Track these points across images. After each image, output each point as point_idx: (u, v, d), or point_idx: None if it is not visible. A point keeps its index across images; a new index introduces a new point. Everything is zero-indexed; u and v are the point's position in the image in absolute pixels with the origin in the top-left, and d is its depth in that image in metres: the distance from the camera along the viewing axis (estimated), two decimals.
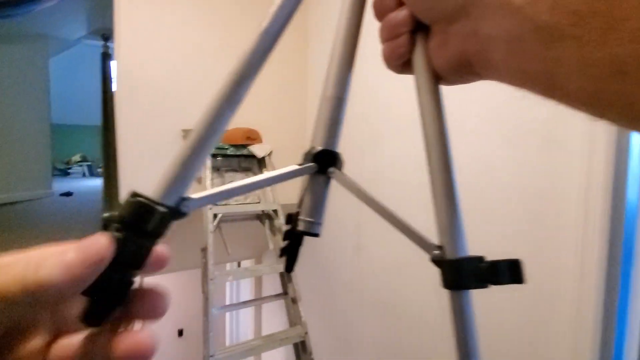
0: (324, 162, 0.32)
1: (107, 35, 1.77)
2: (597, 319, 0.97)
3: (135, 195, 0.21)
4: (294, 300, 1.86)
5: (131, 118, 1.79)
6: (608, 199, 0.96)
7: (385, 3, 0.26)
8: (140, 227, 0.20)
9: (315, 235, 0.32)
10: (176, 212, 0.23)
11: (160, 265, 0.22)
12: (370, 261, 1.85)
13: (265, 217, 2.04)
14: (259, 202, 2.03)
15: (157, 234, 0.21)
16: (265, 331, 3.07)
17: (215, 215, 1.80)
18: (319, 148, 0.31)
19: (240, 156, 2.05)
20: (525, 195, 1.14)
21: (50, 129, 3.70)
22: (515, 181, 1.16)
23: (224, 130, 0.27)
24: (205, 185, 1.84)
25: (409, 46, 0.26)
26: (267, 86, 2.23)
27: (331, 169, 0.31)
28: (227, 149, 1.95)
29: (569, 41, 0.16)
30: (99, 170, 6.83)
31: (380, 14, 0.27)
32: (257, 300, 2.04)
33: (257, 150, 2.04)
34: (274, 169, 2.16)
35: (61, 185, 4.05)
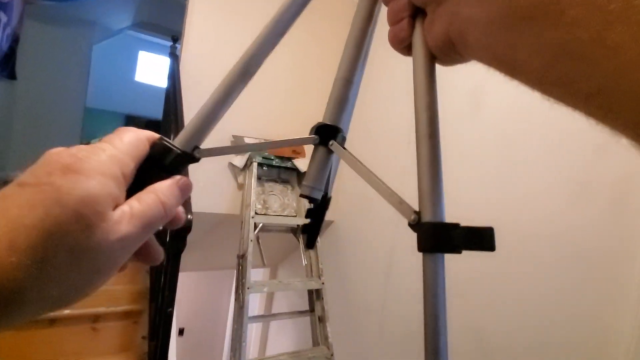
0: (325, 135, 0.34)
1: (176, 37, 1.82)
2: None
3: (160, 139, 0.27)
4: (321, 319, 1.86)
5: (188, 119, 1.82)
6: None
7: None
8: (161, 162, 0.26)
9: (315, 200, 0.35)
10: (189, 156, 0.29)
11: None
12: (399, 289, 1.84)
13: (300, 231, 2.05)
14: (295, 216, 2.04)
15: (172, 170, 0.27)
16: (270, 348, 3.04)
17: (256, 225, 1.82)
18: (323, 122, 0.35)
19: (281, 168, 2.08)
20: (587, 254, 1.15)
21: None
22: (579, 241, 1.17)
23: (234, 100, 0.33)
24: (250, 193, 1.86)
25: (409, 30, 0.28)
26: (314, 102, 2.27)
27: (331, 142, 0.34)
28: (273, 159, 1.98)
29: (528, 24, 0.19)
30: None
31: (386, 0, 0.30)
32: (286, 314, 2.02)
33: (301, 164, 2.06)
34: None
35: None
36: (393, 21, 0.29)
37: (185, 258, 2.41)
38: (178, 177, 0.26)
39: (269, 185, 2.05)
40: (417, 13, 0.28)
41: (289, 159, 2.04)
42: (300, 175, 2.15)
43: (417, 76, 0.28)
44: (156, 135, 0.27)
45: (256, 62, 0.34)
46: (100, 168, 0.21)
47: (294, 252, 2.78)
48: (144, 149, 0.25)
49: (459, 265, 1.55)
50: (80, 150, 0.22)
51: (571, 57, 0.17)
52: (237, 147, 0.32)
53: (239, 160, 1.94)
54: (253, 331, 3.17)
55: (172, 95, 1.53)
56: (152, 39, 5.13)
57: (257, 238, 1.87)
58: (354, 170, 0.33)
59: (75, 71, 3.58)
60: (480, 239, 0.24)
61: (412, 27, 0.28)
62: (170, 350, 1.35)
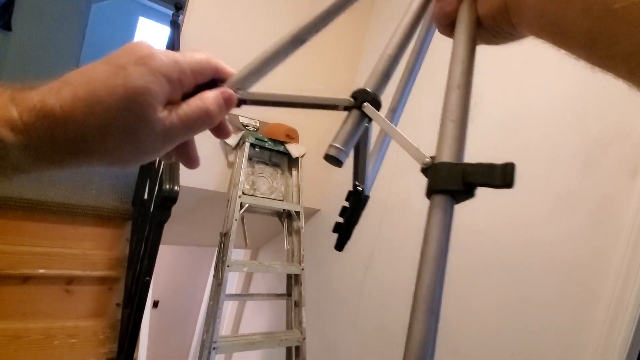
0: (361, 99, 0.34)
1: (179, 5, 1.77)
2: None
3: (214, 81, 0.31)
4: (297, 304, 1.88)
5: None
6: None
7: None
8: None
9: (340, 163, 0.33)
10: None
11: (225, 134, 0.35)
12: (378, 284, 1.87)
13: (285, 216, 2.05)
14: (282, 200, 2.04)
15: None
16: (244, 328, 3.07)
17: (242, 204, 1.81)
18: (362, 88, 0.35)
19: (273, 151, 2.07)
20: (562, 266, 1.18)
21: None
22: (556, 252, 1.20)
23: (281, 60, 0.36)
24: (239, 172, 1.85)
25: (457, 3, 0.29)
26: (313, 89, 2.25)
27: (365, 104, 0.33)
28: (266, 141, 1.97)
29: None
30: None
31: None
32: (264, 296, 2.04)
33: (293, 150, 2.05)
34: (302, 171, 2.18)
35: None
36: None
37: (168, 231, 2.40)
38: (223, 88, 0.30)
39: (259, 167, 2.04)
40: None
41: (282, 143, 2.03)
42: (291, 160, 2.15)
43: (458, 38, 0.28)
44: (228, 72, 0.32)
45: (308, 33, 0.36)
46: (163, 69, 0.25)
47: (276, 236, 2.79)
48: (207, 70, 0.29)
49: None
50: (157, 50, 0.26)
51: (614, 18, 0.19)
52: (277, 95, 0.32)
53: (232, 138, 1.92)
54: (228, 309, 3.19)
55: None
56: (154, 5, 4.99)
57: (242, 218, 1.86)
58: (382, 127, 0.34)
59: (72, 29, 3.46)
60: (495, 174, 0.21)
61: (460, 1, 0.28)
62: (143, 320, 1.35)
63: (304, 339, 1.77)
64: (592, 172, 1.17)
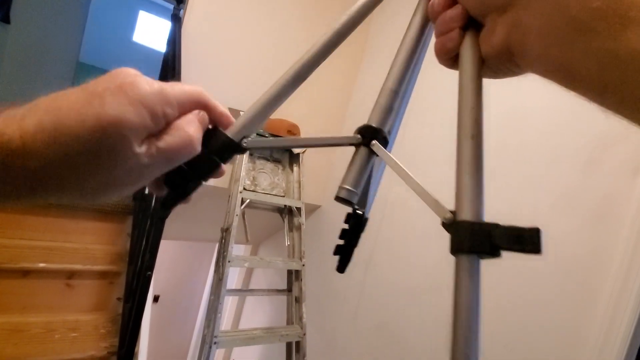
0: (368, 136, 0.34)
1: None
2: None
3: (215, 128, 0.30)
4: (298, 300, 1.88)
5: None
6: None
7: (439, 3, 0.30)
8: (211, 147, 0.29)
9: (352, 204, 0.33)
10: (238, 145, 0.30)
11: (219, 175, 0.32)
12: (378, 280, 1.88)
13: (286, 212, 2.05)
14: (284, 196, 2.04)
15: (222, 157, 0.30)
16: (244, 323, 3.08)
17: (243, 200, 1.81)
18: (367, 124, 0.35)
19: (275, 147, 2.06)
20: (563, 265, 1.18)
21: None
22: (557, 251, 1.20)
23: (283, 101, 0.34)
24: (241, 168, 1.84)
25: (458, 40, 0.29)
26: (314, 84, 2.24)
27: (373, 142, 0.33)
28: (267, 137, 1.96)
29: (589, 35, 0.20)
30: None
31: (435, 14, 0.30)
32: (264, 291, 2.04)
33: None
34: (304, 167, 2.18)
35: None
36: (442, 32, 0.30)
37: (169, 226, 2.40)
38: (197, 111, 0.27)
39: (260, 163, 2.03)
40: (469, 25, 0.28)
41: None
42: (292, 156, 2.14)
43: (464, 80, 0.28)
44: (220, 111, 0.30)
45: (310, 69, 0.35)
46: (146, 99, 0.22)
47: (277, 232, 2.79)
48: (196, 106, 0.27)
49: (436, 268, 1.59)
50: (142, 78, 0.23)
51: (622, 64, 0.19)
52: (279, 140, 0.32)
53: None
54: (229, 304, 3.20)
55: (171, 60, 1.48)
56: None
57: (243, 214, 1.86)
58: (395, 172, 0.33)
59: (71, 23, 3.44)
60: (524, 240, 0.22)
61: (461, 37, 0.29)
62: (144, 314, 1.35)
63: (304, 334, 1.78)
64: (593, 171, 1.17)
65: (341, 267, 0.41)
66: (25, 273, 1.55)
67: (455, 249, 0.23)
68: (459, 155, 0.26)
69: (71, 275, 1.61)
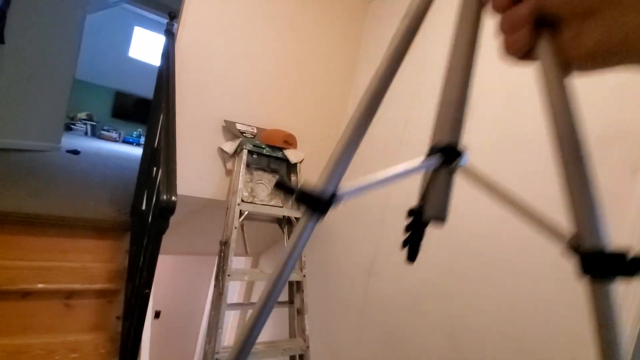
0: (449, 155, 0.33)
1: (173, 14, 1.77)
2: None
3: (303, 189, 0.31)
4: (300, 312, 1.86)
5: (178, 101, 1.78)
6: None
7: None
8: (309, 206, 0.31)
9: (444, 221, 0.33)
10: (330, 200, 0.32)
11: None
12: (381, 290, 1.86)
13: (285, 222, 2.04)
14: (282, 207, 2.03)
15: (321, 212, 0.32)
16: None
17: (241, 212, 1.80)
18: (446, 142, 0.33)
19: (271, 157, 2.06)
20: (565, 264, 1.17)
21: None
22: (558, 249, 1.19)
23: (362, 138, 0.34)
24: (238, 179, 1.84)
25: (529, 39, 0.27)
26: (309, 95, 2.25)
27: (457, 161, 0.32)
28: (264, 148, 1.96)
29: None
30: (103, 132, 6.72)
31: (500, 8, 0.28)
32: None
33: (291, 155, 2.04)
34: (301, 176, 2.17)
35: (65, 141, 3.96)
36: (509, 30, 0.28)
37: (167, 241, 2.38)
38: None
39: (257, 174, 2.03)
40: (543, 25, 0.27)
41: (280, 148, 2.02)
42: (290, 166, 2.14)
43: (550, 93, 0.27)
44: None
45: (378, 99, 0.34)
46: None
47: (277, 242, 2.77)
48: None
49: (439, 274, 1.58)
50: None
51: None
52: (369, 184, 0.30)
53: (229, 146, 1.91)
54: (230, 319, 3.16)
55: (165, 74, 1.49)
56: (148, 14, 5.01)
57: (242, 226, 1.85)
58: (494, 195, 0.32)
59: (67, 40, 3.46)
60: None
61: (532, 36, 0.27)
62: (144, 332, 1.33)
63: (308, 347, 1.75)
64: (593, 170, 1.16)
65: (411, 257, 0.41)
66: (25, 294, 1.53)
67: (595, 275, 0.24)
68: (567, 180, 0.27)
69: (70, 295, 1.59)
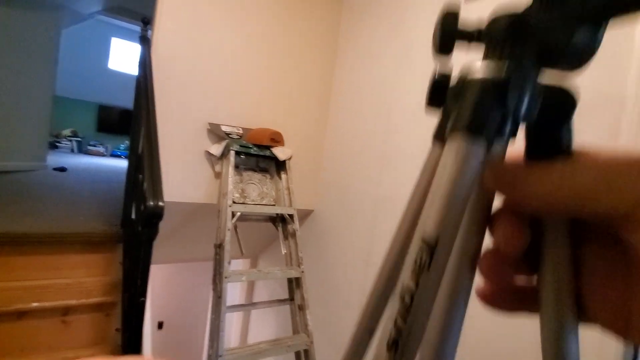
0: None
1: (147, 20, 1.75)
2: None
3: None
4: (301, 307, 1.86)
5: (160, 107, 1.76)
6: None
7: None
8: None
9: None
10: None
11: None
12: None
13: (279, 220, 2.03)
14: (274, 205, 2.03)
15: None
16: (251, 337, 3.04)
17: (233, 214, 1.79)
18: None
19: (260, 156, 2.05)
20: None
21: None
22: None
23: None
24: (227, 181, 1.83)
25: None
26: (292, 91, 2.24)
27: None
28: (251, 147, 1.95)
29: None
30: (89, 147, 6.65)
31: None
32: (266, 303, 2.02)
33: (279, 153, 2.04)
34: (291, 173, 2.17)
35: (51, 159, 3.91)
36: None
37: (163, 249, 2.38)
38: None
39: (247, 174, 2.02)
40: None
41: (268, 147, 2.02)
42: (279, 164, 2.13)
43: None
44: None
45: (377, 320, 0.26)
46: None
47: (274, 242, 2.77)
48: None
49: None
50: None
51: None
52: None
53: (216, 148, 1.90)
54: (234, 321, 3.15)
55: (143, 82, 1.47)
56: (124, 24, 4.96)
57: (235, 227, 1.84)
58: None
59: (43, 58, 3.41)
60: None
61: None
62: (145, 342, 1.32)
63: (312, 342, 1.76)
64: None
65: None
66: (20, 314, 1.51)
67: None
68: None
69: (66, 311, 1.57)
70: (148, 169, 1.11)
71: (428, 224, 0.16)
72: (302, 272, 1.90)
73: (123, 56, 6.27)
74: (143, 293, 1.16)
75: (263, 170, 2.11)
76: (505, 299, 0.20)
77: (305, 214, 2.39)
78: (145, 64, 1.55)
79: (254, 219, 2.01)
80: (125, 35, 5.93)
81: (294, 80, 2.25)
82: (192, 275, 4.14)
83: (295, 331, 1.85)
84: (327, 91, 2.39)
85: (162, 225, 2.10)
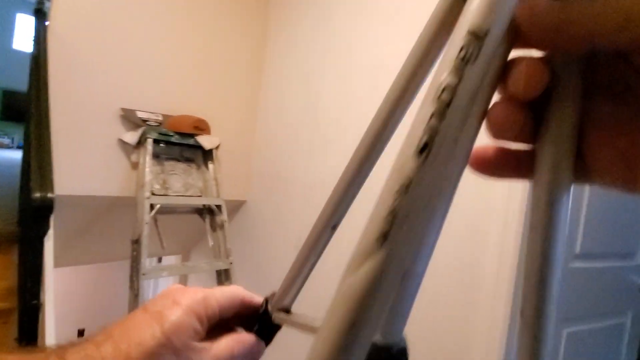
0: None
1: None
2: None
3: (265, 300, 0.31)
4: None
5: (62, 89, 1.57)
6: None
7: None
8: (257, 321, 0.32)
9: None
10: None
11: None
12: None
13: (206, 212, 1.95)
14: (200, 196, 1.94)
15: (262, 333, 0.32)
16: None
17: (152, 206, 1.68)
18: None
19: (184, 145, 1.94)
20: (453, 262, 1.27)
21: None
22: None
23: (319, 257, 0.31)
24: (144, 172, 1.70)
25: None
26: (219, 76, 2.14)
27: None
28: (172, 135, 1.83)
29: None
30: None
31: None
32: None
33: (205, 141, 1.94)
34: (219, 163, 2.09)
35: None
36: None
37: (77, 249, 2.15)
38: (257, 341, 0.31)
39: (169, 164, 1.90)
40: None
41: (192, 135, 1.91)
42: (206, 153, 2.03)
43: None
44: (251, 301, 0.32)
45: (341, 214, 0.27)
46: (191, 305, 0.27)
47: (205, 235, 2.66)
48: (236, 304, 0.30)
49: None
50: (189, 290, 0.29)
51: None
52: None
53: (131, 136, 1.76)
54: None
55: (36, 60, 1.29)
56: None
57: (155, 220, 1.73)
58: None
59: None
60: None
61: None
62: None
63: (231, 263, 1.72)
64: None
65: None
66: None
67: None
68: None
69: None
70: (36, 157, 0.98)
71: (476, 15, 0.14)
72: (231, 263, 1.84)
73: (27, 32, 5.54)
74: (36, 295, 1.03)
75: (188, 160, 2.00)
76: (501, 161, 0.19)
77: (237, 205, 2.32)
78: (39, 40, 1.37)
79: (179, 212, 1.91)
80: (31, 10, 5.25)
81: (222, 66, 2.15)
82: (116, 277, 3.85)
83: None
84: (257, 79, 2.32)
85: (73, 222, 1.90)
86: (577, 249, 1.31)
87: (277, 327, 0.31)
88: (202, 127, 1.94)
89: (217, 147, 2.03)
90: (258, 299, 0.32)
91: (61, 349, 0.25)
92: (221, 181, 2.01)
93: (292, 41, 2.13)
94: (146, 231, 1.58)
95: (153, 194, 1.71)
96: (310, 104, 1.94)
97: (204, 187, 2.00)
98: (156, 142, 1.78)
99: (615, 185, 0.16)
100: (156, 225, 1.72)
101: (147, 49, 1.85)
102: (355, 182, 0.25)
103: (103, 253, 2.41)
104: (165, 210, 1.85)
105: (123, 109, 1.75)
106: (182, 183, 1.90)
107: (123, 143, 1.77)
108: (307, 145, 1.97)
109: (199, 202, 1.89)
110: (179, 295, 0.27)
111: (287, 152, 2.08)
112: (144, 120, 1.79)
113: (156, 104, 1.89)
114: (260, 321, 0.31)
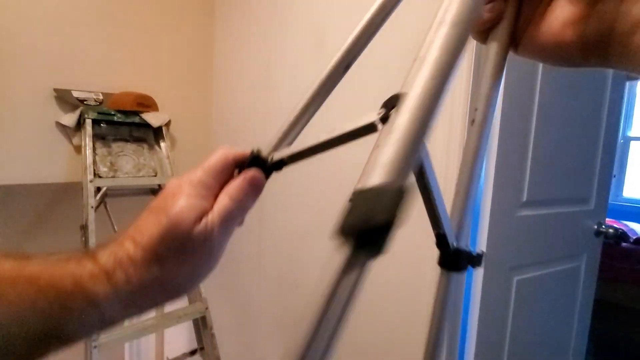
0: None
1: None
2: None
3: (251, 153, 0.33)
4: None
5: None
6: None
7: None
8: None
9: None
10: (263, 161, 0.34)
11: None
12: (272, 234, 1.86)
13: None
14: (155, 176, 1.87)
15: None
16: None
17: (98, 189, 1.61)
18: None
19: (131, 124, 1.85)
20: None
21: None
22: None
23: (315, 111, 0.34)
24: (86, 154, 1.62)
25: (499, 12, 0.26)
26: (166, 50, 2.02)
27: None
28: (113, 115, 1.74)
29: None
30: None
31: None
32: None
33: (152, 119, 1.86)
34: (172, 140, 2.01)
35: None
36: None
37: (30, 243, 2.08)
38: (247, 175, 0.32)
39: (117, 145, 1.82)
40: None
41: (136, 112, 1.82)
42: (157, 131, 1.95)
43: (488, 64, 0.26)
44: (242, 156, 0.33)
45: (338, 70, 0.32)
46: (188, 190, 0.29)
47: None
48: (229, 167, 0.32)
49: (320, 213, 1.61)
50: (185, 177, 0.31)
51: None
52: (307, 150, 0.29)
53: (69, 118, 1.66)
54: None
55: None
56: None
57: (105, 204, 1.67)
58: None
59: None
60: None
61: (502, 10, 0.25)
62: None
63: (206, 308, 1.72)
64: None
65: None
66: None
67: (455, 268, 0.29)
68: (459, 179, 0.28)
69: None
70: None
71: None
72: None
73: None
74: None
75: (139, 140, 1.92)
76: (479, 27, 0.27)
77: None
78: None
79: (131, 194, 1.85)
80: None
81: (167, 39, 2.02)
82: None
83: (192, 301, 1.79)
84: (209, 52, 2.21)
85: (17, 214, 1.83)
86: (524, 196, 1.30)
87: (273, 166, 0.33)
88: (146, 103, 1.84)
89: (167, 124, 1.95)
90: (247, 151, 0.34)
91: (91, 251, 0.29)
92: (179, 158, 1.95)
93: (240, 8, 2.01)
94: (92, 216, 1.53)
95: (99, 176, 1.64)
96: (262, 69, 1.86)
97: (159, 167, 1.93)
98: (97, 122, 1.69)
99: (558, 47, 0.24)
100: (106, 209, 1.66)
101: (81, 26, 1.72)
102: (374, 22, 0.31)
103: (56, 244, 2.35)
104: (116, 194, 1.79)
105: (56, 89, 1.64)
106: (133, 164, 1.83)
107: (62, 127, 1.68)
108: (260, 116, 1.91)
109: (152, 182, 1.83)
110: (176, 185, 0.30)
111: (245, 120, 2.01)
112: (82, 100, 1.69)
113: (96, 83, 1.78)
114: (252, 163, 0.32)
